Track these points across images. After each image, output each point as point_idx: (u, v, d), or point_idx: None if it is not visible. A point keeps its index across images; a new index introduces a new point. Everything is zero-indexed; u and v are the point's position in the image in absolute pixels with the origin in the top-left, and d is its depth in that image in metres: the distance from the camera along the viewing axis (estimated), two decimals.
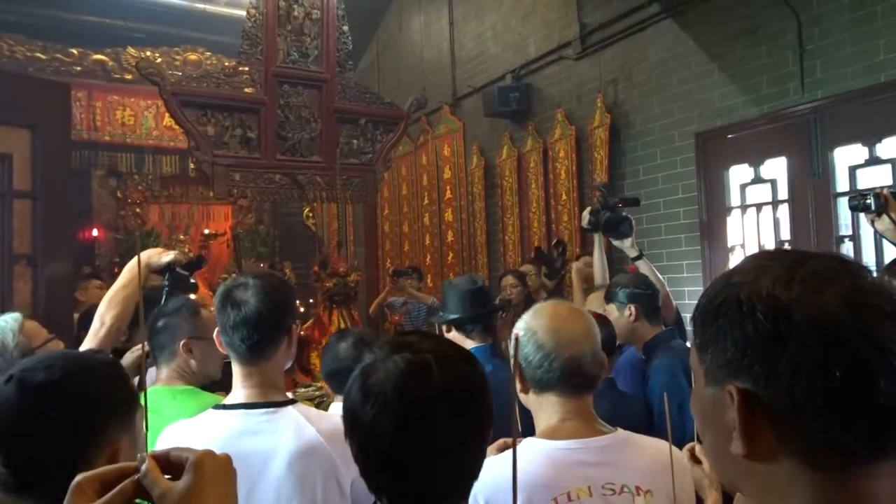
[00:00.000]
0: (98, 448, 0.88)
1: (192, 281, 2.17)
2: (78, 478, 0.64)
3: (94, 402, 0.90)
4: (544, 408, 1.38)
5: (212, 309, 1.68)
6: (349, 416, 0.88)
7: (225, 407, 1.49)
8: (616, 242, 2.97)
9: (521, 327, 1.41)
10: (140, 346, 2.11)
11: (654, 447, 1.39)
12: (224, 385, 2.01)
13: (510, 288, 4.43)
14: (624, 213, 2.92)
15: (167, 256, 2.05)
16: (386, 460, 0.85)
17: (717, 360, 0.59)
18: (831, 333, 0.54)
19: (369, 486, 0.89)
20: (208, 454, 0.67)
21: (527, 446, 1.33)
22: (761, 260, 0.61)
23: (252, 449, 1.39)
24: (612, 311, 2.44)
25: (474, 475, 0.90)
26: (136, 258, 1.96)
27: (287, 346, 1.51)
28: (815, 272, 0.57)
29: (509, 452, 1.33)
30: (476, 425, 0.88)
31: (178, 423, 1.52)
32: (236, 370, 1.50)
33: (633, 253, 2.92)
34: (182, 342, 1.91)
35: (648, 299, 2.42)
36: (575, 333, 1.37)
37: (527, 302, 4.13)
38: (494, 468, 1.10)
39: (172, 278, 2.06)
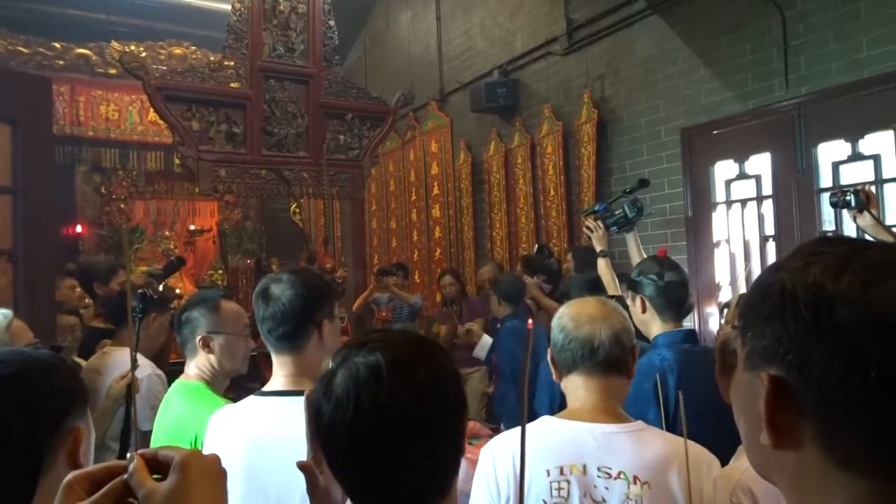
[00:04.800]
0: (63, 435, 0.91)
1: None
2: (68, 476, 0.65)
3: (58, 391, 0.93)
4: (570, 390, 1.45)
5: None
6: (314, 410, 0.87)
7: (263, 394, 1.55)
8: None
9: (555, 317, 1.51)
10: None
11: (670, 444, 1.38)
12: (248, 380, 2.09)
13: (448, 286, 5.13)
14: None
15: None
16: (344, 460, 0.85)
17: (754, 345, 0.57)
18: (876, 333, 0.50)
19: (341, 484, 0.88)
20: (195, 454, 0.67)
21: (541, 422, 1.42)
22: (817, 246, 0.57)
23: (283, 435, 1.42)
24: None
25: (440, 477, 0.87)
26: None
27: (319, 339, 1.54)
28: (871, 264, 0.52)
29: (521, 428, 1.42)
30: (438, 427, 0.85)
31: (225, 408, 1.60)
32: (273, 359, 1.58)
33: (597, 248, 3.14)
34: (199, 337, 1.91)
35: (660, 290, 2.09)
36: (591, 316, 1.44)
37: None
38: (505, 438, 1.32)
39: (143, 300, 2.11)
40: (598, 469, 1.32)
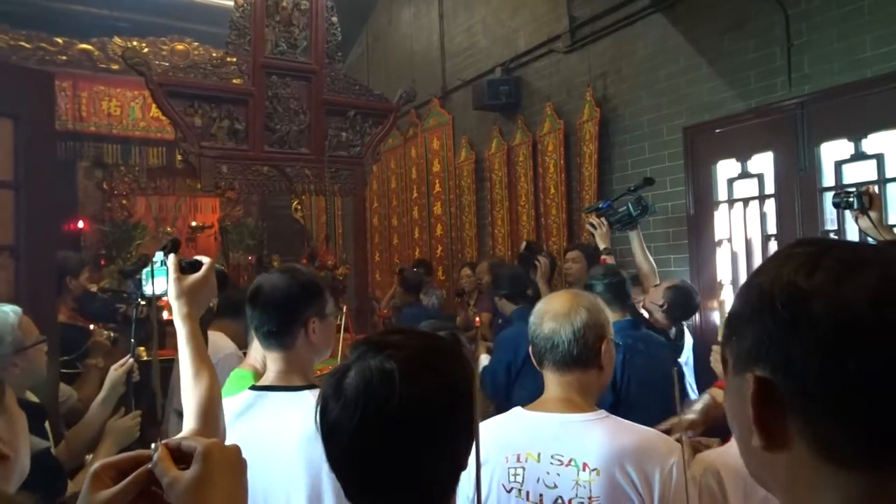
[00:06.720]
0: None
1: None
2: (96, 465, 0.67)
3: None
4: (545, 382, 1.51)
5: None
6: (321, 403, 0.87)
7: (255, 388, 1.60)
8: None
9: (534, 311, 1.58)
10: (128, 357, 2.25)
11: (628, 434, 1.41)
12: None
13: (466, 278, 5.21)
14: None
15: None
16: (343, 459, 0.85)
17: (739, 349, 0.58)
18: (849, 326, 0.51)
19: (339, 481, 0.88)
20: (216, 445, 0.70)
21: (510, 413, 1.51)
22: (791, 248, 0.59)
23: (267, 429, 1.47)
24: None
25: (437, 493, 0.87)
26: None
27: (307, 337, 1.57)
28: (841, 260, 0.54)
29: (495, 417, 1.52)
30: (439, 444, 0.84)
31: (224, 399, 1.65)
32: (265, 355, 1.63)
33: (601, 245, 3.38)
34: None
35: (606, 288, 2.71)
36: (555, 313, 1.49)
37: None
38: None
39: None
40: (552, 456, 1.38)
